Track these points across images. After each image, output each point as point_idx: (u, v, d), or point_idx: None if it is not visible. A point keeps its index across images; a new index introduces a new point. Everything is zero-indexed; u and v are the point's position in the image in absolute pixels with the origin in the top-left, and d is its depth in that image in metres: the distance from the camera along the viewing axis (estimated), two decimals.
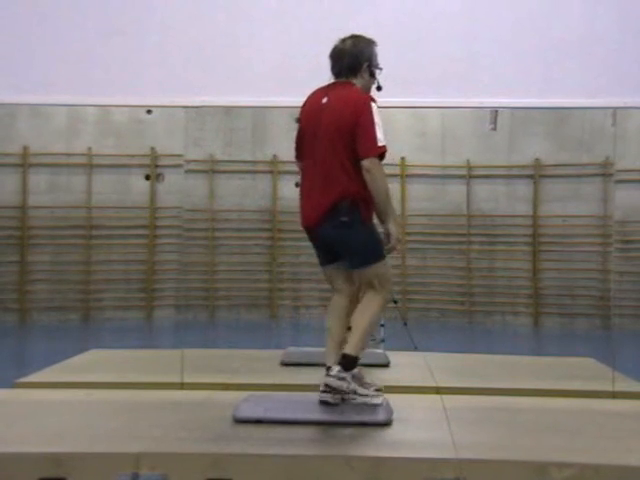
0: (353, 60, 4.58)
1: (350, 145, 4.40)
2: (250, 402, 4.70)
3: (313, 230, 4.56)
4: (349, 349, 4.45)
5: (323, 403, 4.42)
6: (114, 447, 4.02)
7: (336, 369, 4.39)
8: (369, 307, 4.51)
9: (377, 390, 4.66)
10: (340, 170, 4.41)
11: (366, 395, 4.51)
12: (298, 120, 4.66)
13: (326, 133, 4.44)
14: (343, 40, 4.63)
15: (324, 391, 4.40)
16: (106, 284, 13.64)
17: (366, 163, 4.35)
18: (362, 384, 4.55)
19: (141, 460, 3.82)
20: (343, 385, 4.38)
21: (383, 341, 6.81)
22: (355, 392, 4.45)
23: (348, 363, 4.41)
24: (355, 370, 4.51)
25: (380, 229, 4.60)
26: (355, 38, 4.62)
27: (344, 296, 4.68)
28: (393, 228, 4.54)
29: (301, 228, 4.66)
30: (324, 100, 4.51)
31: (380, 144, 4.37)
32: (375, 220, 4.60)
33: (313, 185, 4.49)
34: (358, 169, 4.39)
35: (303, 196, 4.59)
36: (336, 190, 4.40)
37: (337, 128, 4.41)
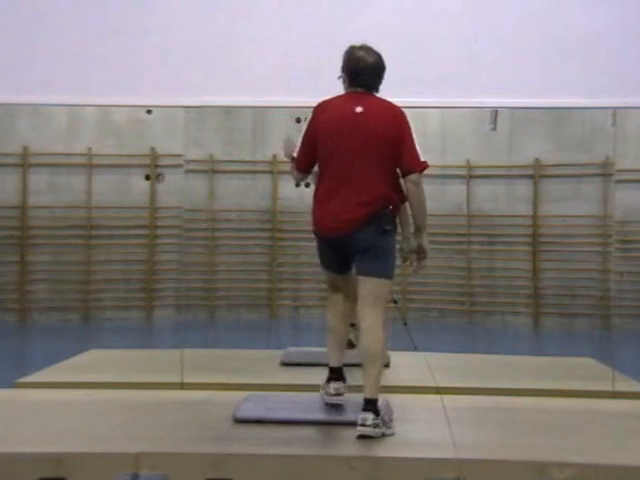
0: (381, 75, 4.60)
1: (390, 156, 4.42)
2: (250, 402, 4.70)
3: (346, 236, 4.41)
4: (372, 393, 4.28)
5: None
6: (114, 447, 4.02)
7: (371, 418, 4.19)
8: (379, 336, 4.38)
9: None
10: (381, 180, 4.42)
11: (391, 433, 4.34)
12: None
13: (368, 143, 4.40)
14: (366, 51, 4.55)
15: (361, 437, 4.19)
16: (106, 284, 13.63)
17: (414, 177, 4.42)
18: (386, 423, 4.32)
19: (141, 460, 3.82)
20: (379, 432, 4.21)
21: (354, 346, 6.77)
22: (384, 435, 4.27)
23: (376, 407, 4.26)
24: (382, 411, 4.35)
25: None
26: (375, 51, 4.58)
27: (347, 297, 4.65)
28: (427, 242, 4.63)
29: (308, 230, 4.62)
30: (358, 109, 4.45)
31: (422, 159, 4.46)
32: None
33: (345, 192, 4.40)
34: (395, 181, 4.46)
35: (330, 201, 4.45)
36: (378, 198, 4.40)
37: (382, 138, 4.40)
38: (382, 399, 4.63)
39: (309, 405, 4.64)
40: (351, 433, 4.25)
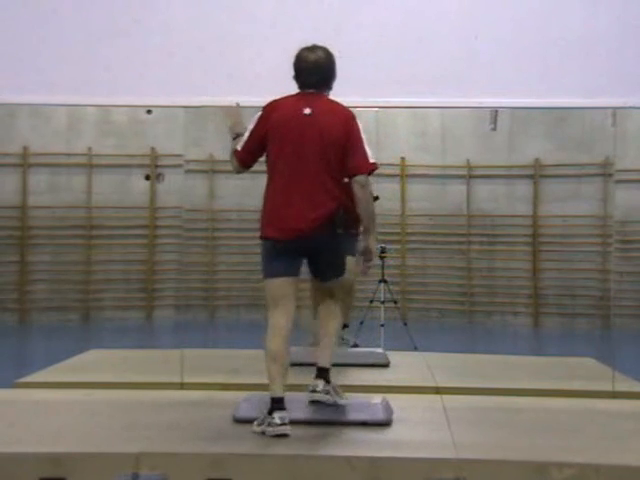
0: (330, 73, 4.60)
1: (340, 159, 4.43)
2: (250, 402, 4.70)
3: (299, 239, 4.42)
4: (326, 362, 4.56)
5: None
6: (114, 447, 4.02)
7: (321, 385, 4.48)
8: (336, 317, 4.67)
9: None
10: (333, 182, 4.43)
11: (344, 403, 4.57)
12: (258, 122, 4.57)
13: (316, 145, 4.41)
14: (311, 50, 4.57)
15: (312, 402, 4.51)
16: (106, 284, 13.63)
17: (362, 179, 4.43)
18: (337, 391, 4.58)
19: (141, 460, 3.82)
20: (330, 399, 4.49)
21: (356, 345, 6.77)
22: (336, 403, 4.53)
23: (327, 375, 4.54)
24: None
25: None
26: (323, 49, 4.59)
27: (289, 316, 4.64)
28: (374, 244, 4.66)
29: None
30: (306, 111, 4.45)
31: (371, 161, 4.48)
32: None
33: (298, 196, 4.40)
34: (344, 183, 4.47)
35: (283, 206, 4.44)
36: (331, 201, 4.41)
37: (330, 142, 4.41)
38: (382, 399, 4.64)
39: (309, 405, 4.63)
40: (351, 433, 4.26)
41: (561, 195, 13.33)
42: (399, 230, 13.56)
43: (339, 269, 4.63)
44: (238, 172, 4.75)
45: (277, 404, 4.33)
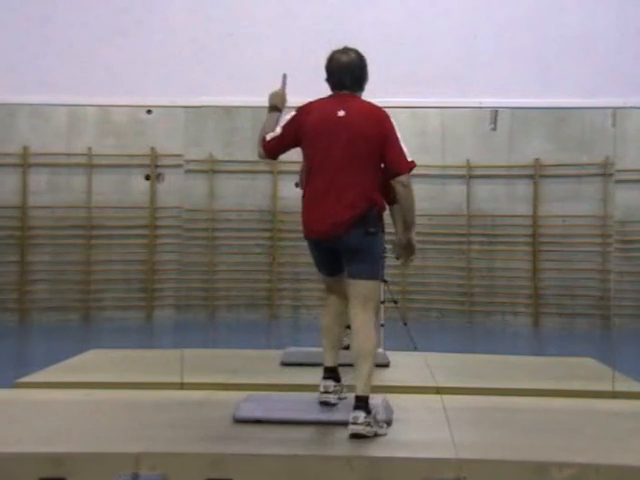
0: (362, 74, 4.63)
1: (375, 159, 4.46)
2: (250, 402, 4.70)
3: (333, 238, 4.46)
4: (364, 391, 4.30)
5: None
6: (114, 447, 4.02)
7: (362, 417, 4.20)
8: (370, 335, 4.43)
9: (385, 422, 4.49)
10: (366, 182, 4.45)
11: (383, 433, 4.33)
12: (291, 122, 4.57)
13: (351, 146, 4.43)
14: (344, 52, 4.61)
15: (354, 436, 4.19)
16: (106, 284, 13.63)
17: (404, 179, 4.45)
18: (377, 422, 4.32)
19: (141, 460, 3.82)
20: (371, 431, 4.22)
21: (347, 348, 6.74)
22: (376, 434, 4.25)
23: (367, 405, 4.28)
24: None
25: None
26: (355, 51, 4.63)
27: (343, 298, 4.66)
28: (415, 238, 4.69)
29: (303, 234, 4.61)
30: (340, 113, 4.47)
31: (410, 159, 4.49)
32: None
33: (330, 195, 4.44)
34: (380, 183, 4.50)
35: (316, 205, 4.50)
36: (363, 201, 4.43)
37: (365, 142, 4.43)
38: (382, 399, 4.64)
39: (309, 405, 4.64)
40: None
41: (561, 195, 13.32)
42: None
43: (372, 270, 4.51)
44: (262, 158, 4.74)
45: (325, 373, 4.69)
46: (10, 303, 13.43)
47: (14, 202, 13.47)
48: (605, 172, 13.11)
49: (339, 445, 4.10)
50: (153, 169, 13.66)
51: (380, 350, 6.82)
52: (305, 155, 4.60)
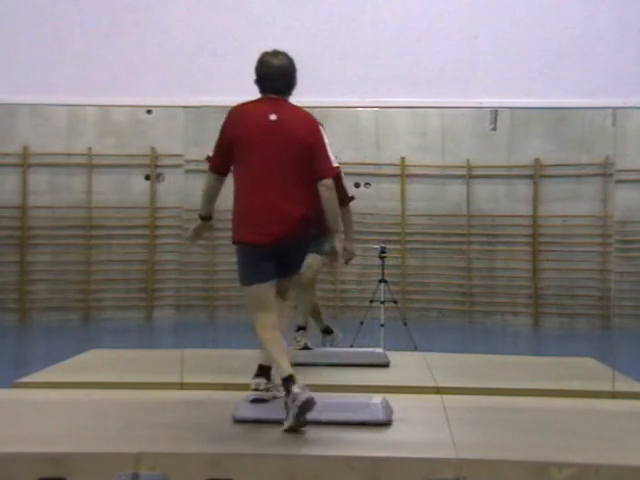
0: (294, 79, 4.70)
1: (306, 163, 4.54)
2: (250, 402, 4.70)
3: (277, 244, 4.52)
4: (266, 361, 4.76)
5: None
6: (114, 447, 4.02)
7: (263, 383, 4.74)
8: (286, 316, 4.93)
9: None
10: (302, 186, 4.55)
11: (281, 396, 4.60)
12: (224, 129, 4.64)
13: (284, 150, 4.51)
14: (275, 55, 4.66)
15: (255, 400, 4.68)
16: (106, 284, 13.63)
17: (329, 182, 4.57)
18: (275, 386, 4.72)
19: (141, 460, 3.82)
20: (270, 395, 4.71)
21: (307, 347, 6.70)
22: (275, 397, 4.68)
23: (268, 373, 4.78)
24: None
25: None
26: (286, 55, 4.68)
27: (274, 305, 4.66)
28: (339, 245, 4.87)
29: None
30: (272, 117, 4.53)
31: (335, 165, 4.76)
32: None
33: (271, 200, 4.51)
34: (311, 186, 4.56)
35: (255, 210, 4.59)
36: (303, 204, 4.54)
37: (298, 147, 4.52)
38: (382, 399, 4.64)
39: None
40: (351, 433, 4.25)
41: (561, 195, 13.32)
42: (399, 230, 13.55)
43: (298, 267, 4.84)
44: (213, 183, 4.86)
45: (290, 380, 4.33)
46: (10, 303, 13.42)
47: (14, 202, 13.46)
48: (605, 172, 13.10)
49: (339, 445, 4.10)
50: (153, 169, 13.65)
51: (380, 350, 6.84)
52: (236, 158, 4.60)
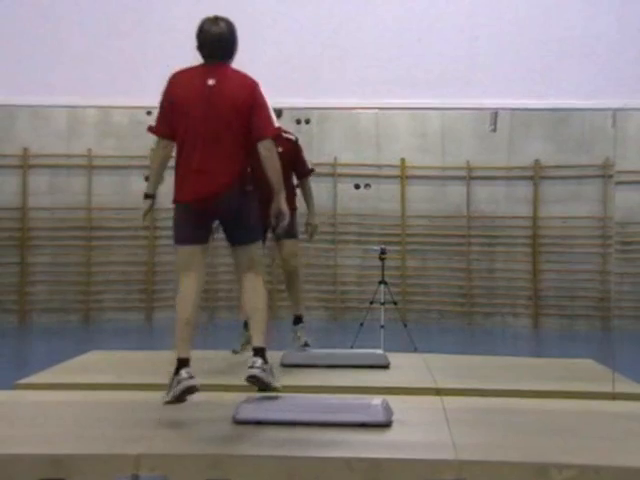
0: (234, 44, 4.79)
1: (245, 125, 4.60)
2: (250, 403, 4.70)
3: (213, 201, 4.64)
4: (260, 341, 4.67)
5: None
6: (114, 448, 4.02)
7: (260, 362, 4.58)
8: (260, 293, 4.82)
9: None
10: (239, 147, 4.63)
11: (277, 386, 4.68)
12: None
13: (222, 113, 4.59)
14: (214, 22, 4.75)
15: (251, 382, 4.59)
16: (106, 285, 13.63)
17: (267, 143, 4.62)
18: (273, 374, 4.70)
19: (141, 461, 3.82)
20: (267, 377, 4.59)
21: (307, 345, 6.68)
22: (270, 384, 4.63)
23: (264, 354, 4.64)
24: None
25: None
26: (226, 21, 4.77)
27: (201, 275, 4.93)
28: (284, 205, 4.75)
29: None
30: (210, 82, 4.63)
31: (276, 125, 4.66)
32: None
33: (208, 161, 4.61)
34: (250, 148, 4.64)
35: (193, 171, 4.68)
36: (238, 163, 4.63)
37: (235, 109, 4.59)
38: (381, 400, 4.63)
39: (308, 406, 4.63)
40: (351, 434, 4.25)
41: (561, 196, 13.33)
42: (399, 231, 13.56)
43: (253, 232, 4.82)
44: (162, 151, 4.95)
45: (184, 363, 4.65)
46: (10, 304, 13.42)
47: (14, 203, 13.47)
48: (605, 173, 13.10)
49: (339, 446, 4.10)
50: None
51: (380, 351, 6.84)
52: (176, 123, 4.69)
